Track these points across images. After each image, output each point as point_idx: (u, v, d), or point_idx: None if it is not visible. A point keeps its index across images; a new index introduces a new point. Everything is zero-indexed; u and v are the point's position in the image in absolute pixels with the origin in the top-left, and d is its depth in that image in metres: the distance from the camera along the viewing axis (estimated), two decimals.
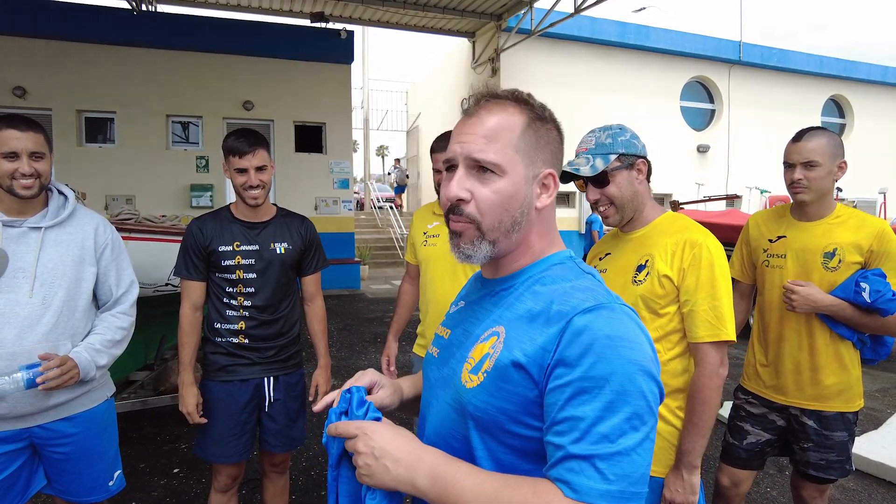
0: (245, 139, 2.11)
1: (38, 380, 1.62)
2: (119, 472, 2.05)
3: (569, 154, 1.73)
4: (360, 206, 19.88)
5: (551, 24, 11.19)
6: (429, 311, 2.40)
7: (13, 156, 1.72)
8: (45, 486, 1.90)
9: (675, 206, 9.11)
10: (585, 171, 1.60)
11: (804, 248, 2.01)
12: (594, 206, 1.68)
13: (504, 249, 0.90)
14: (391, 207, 17.17)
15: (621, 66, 13.94)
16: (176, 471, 3.43)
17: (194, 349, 2.21)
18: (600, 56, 13.68)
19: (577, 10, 10.32)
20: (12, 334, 1.68)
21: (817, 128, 2.00)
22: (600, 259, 1.79)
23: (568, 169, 1.63)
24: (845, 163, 1.98)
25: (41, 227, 1.79)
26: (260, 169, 2.12)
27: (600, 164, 1.59)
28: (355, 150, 19.38)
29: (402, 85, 20.89)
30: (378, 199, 18.95)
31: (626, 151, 1.61)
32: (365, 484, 0.83)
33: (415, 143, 19.78)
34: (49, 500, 3.01)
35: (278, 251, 2.20)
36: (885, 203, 14.82)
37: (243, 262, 2.15)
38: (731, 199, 11.15)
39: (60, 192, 1.92)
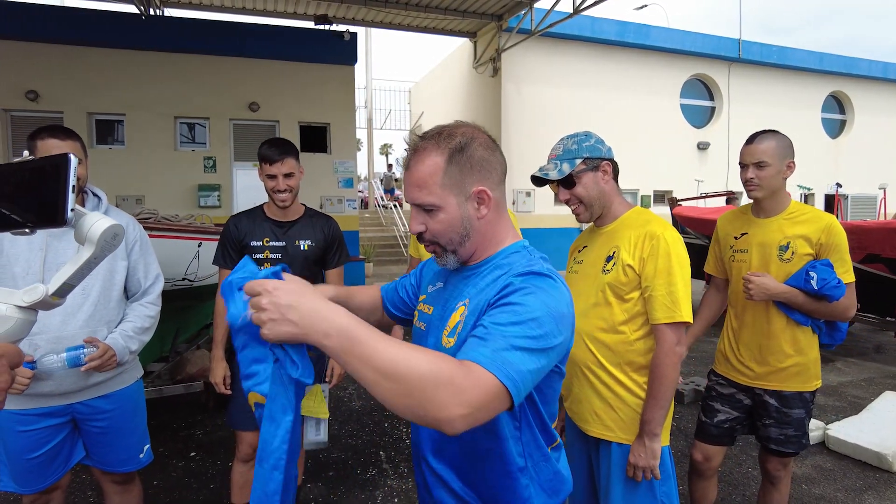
0: (276, 148, 2.38)
1: (84, 362, 1.83)
2: (148, 445, 2.26)
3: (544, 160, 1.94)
4: (364, 204, 20.08)
5: (551, 24, 11.34)
6: None
7: None
8: (83, 457, 2.12)
9: (673, 203, 9.26)
10: (553, 174, 1.80)
11: (762, 243, 2.22)
12: (567, 204, 1.88)
13: (465, 254, 1.15)
14: (395, 206, 17.38)
15: (621, 65, 14.06)
16: (192, 454, 3.65)
17: (226, 329, 2.46)
18: (600, 55, 13.82)
19: (577, 10, 10.48)
20: (57, 321, 1.89)
21: (769, 131, 2.20)
22: (579, 251, 1.99)
23: (538, 174, 1.83)
24: (793, 162, 2.18)
25: None
26: (287, 175, 2.39)
27: (566, 168, 1.79)
28: (359, 150, 19.56)
29: (405, 84, 21.07)
30: (382, 197, 19.18)
31: (590, 155, 1.79)
32: (268, 340, 0.85)
33: None
34: (84, 470, 3.23)
35: (302, 248, 2.47)
36: (885, 199, 14.95)
37: (271, 256, 2.43)
38: (730, 195, 11.29)
39: (95, 195, 2.13)
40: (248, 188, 10.57)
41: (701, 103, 15.69)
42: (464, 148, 1.09)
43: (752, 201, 2.32)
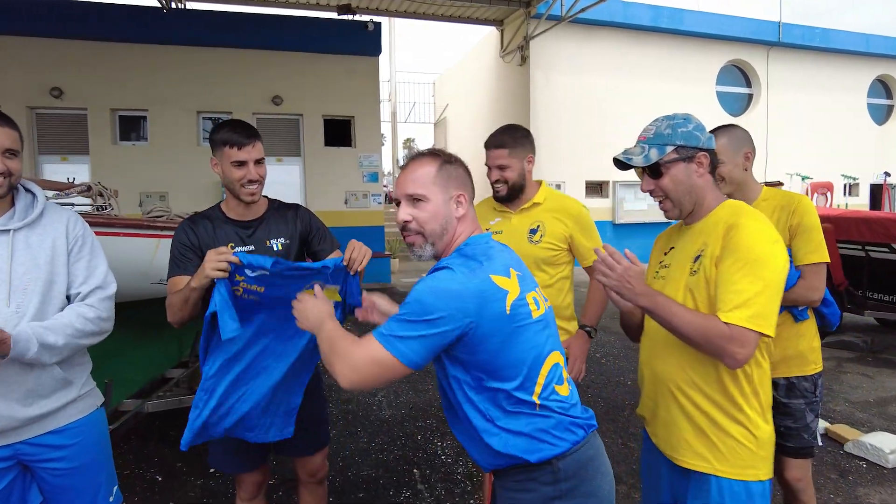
0: (243, 129, 1.95)
1: None
2: (116, 486, 1.90)
3: (628, 143, 1.67)
4: (389, 199, 19.86)
5: (582, 10, 10.91)
6: None
7: None
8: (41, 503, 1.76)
9: None
10: (637, 161, 1.57)
11: None
12: (651, 195, 1.62)
13: (440, 248, 1.41)
14: None
15: (655, 51, 13.54)
16: (212, 470, 3.39)
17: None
18: (633, 41, 13.31)
19: None
20: None
21: (722, 127, 2.14)
22: (665, 254, 1.70)
23: (621, 157, 1.60)
24: (751, 151, 2.13)
25: (10, 230, 1.64)
26: (258, 162, 1.98)
27: (654, 155, 1.55)
28: (382, 144, 19.38)
29: (430, 76, 20.76)
30: None
31: (685, 143, 1.54)
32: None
33: (442, 135, 19.64)
34: None
35: (275, 248, 2.04)
36: None
37: None
38: (772, 186, 10.74)
39: (28, 190, 1.75)
40: (271, 183, 10.31)
41: (738, 90, 15.08)
42: (450, 163, 1.42)
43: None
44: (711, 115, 14.28)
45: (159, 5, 9.71)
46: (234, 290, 1.75)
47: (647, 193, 1.61)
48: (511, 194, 2.33)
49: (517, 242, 2.32)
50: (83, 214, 2.71)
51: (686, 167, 1.55)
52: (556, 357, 1.38)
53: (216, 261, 1.70)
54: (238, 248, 1.97)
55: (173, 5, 9.95)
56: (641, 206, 13.46)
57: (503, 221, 2.41)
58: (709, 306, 1.47)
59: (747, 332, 1.35)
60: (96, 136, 9.66)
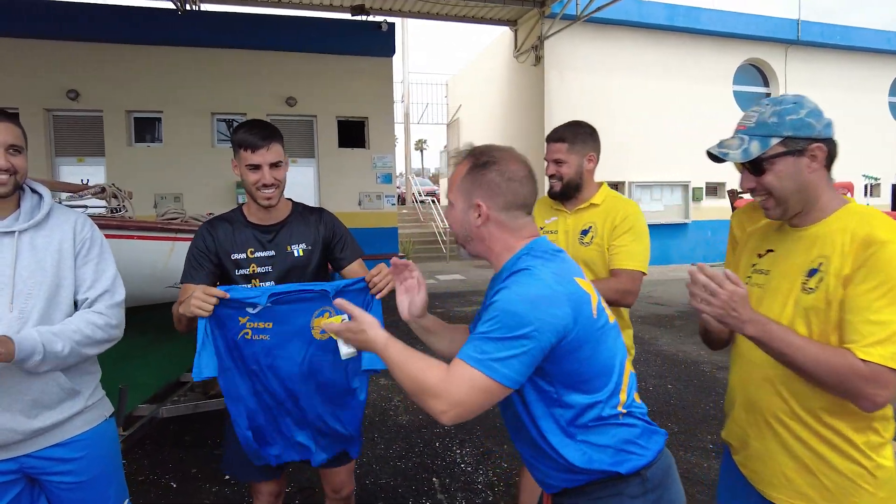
0: (259, 131, 1.86)
1: None
2: (127, 500, 1.84)
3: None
4: (402, 200, 19.82)
5: (597, 9, 10.78)
6: None
7: None
8: None
9: (734, 195, 8.66)
10: (734, 155, 1.31)
11: None
12: (751, 194, 1.38)
13: (472, 252, 1.37)
14: (433, 201, 17.07)
15: (671, 51, 13.35)
16: (227, 477, 3.32)
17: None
18: (648, 40, 13.13)
19: None
20: None
21: None
22: (759, 256, 1.45)
23: (715, 150, 1.35)
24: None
25: (14, 231, 1.57)
26: (274, 165, 1.88)
27: (755, 149, 1.29)
28: (395, 145, 19.38)
29: (443, 77, 20.74)
30: (419, 192, 18.85)
31: (794, 134, 1.27)
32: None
33: (455, 136, 19.57)
34: None
35: (296, 254, 1.96)
36: None
37: (259, 270, 1.93)
38: None
39: (34, 191, 1.68)
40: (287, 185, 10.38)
41: (755, 90, 14.82)
42: (481, 167, 1.29)
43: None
44: (728, 116, 14.06)
45: (174, 7, 9.73)
46: (242, 333, 1.77)
47: (748, 192, 1.38)
48: (566, 192, 2.24)
49: (569, 243, 2.25)
50: (97, 217, 2.67)
51: (795, 161, 1.28)
52: (629, 364, 1.32)
53: (200, 300, 1.67)
54: (257, 254, 1.93)
55: (188, 7, 9.95)
56: (658, 207, 13.27)
57: (559, 221, 2.32)
58: (829, 332, 1.25)
59: (890, 371, 1.13)
60: (112, 138, 9.70)
